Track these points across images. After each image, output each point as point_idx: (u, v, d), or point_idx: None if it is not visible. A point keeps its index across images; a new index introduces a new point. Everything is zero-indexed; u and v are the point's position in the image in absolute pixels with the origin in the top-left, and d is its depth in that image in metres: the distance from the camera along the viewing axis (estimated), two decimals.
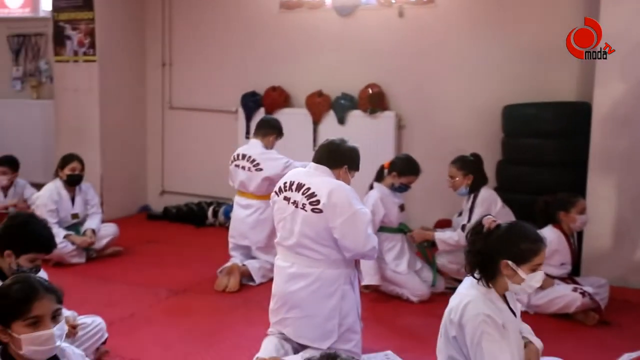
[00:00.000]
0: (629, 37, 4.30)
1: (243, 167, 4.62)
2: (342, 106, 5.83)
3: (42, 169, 6.74)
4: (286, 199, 3.10)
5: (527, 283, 2.32)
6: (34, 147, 7.09)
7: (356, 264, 3.19)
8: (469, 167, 4.33)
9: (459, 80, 5.58)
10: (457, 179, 4.33)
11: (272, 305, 3.18)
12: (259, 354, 3.03)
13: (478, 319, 2.24)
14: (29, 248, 2.76)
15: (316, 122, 5.95)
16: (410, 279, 4.23)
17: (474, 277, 2.38)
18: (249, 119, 6.21)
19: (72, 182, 5.09)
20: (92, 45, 6.25)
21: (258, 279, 4.48)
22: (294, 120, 5.73)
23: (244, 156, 4.64)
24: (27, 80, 7.52)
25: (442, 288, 4.32)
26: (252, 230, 4.60)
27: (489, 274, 2.35)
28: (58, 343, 2.01)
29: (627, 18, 4.33)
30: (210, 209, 6.37)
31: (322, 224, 2.97)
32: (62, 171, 5.07)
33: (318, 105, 5.92)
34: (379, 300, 4.23)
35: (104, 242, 5.15)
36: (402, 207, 4.37)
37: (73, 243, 4.91)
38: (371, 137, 5.51)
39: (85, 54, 6.30)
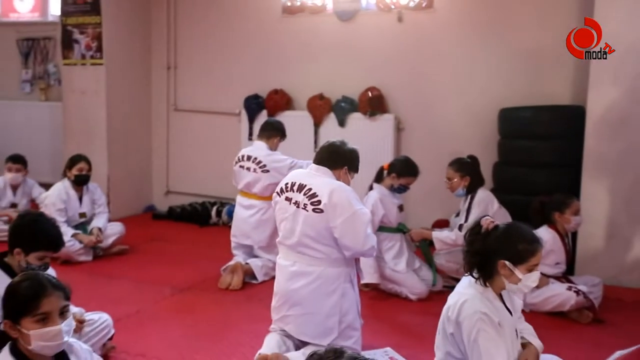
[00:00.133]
0: (622, 41, 4.30)
1: (248, 169, 4.61)
2: (343, 109, 5.83)
3: (50, 169, 6.76)
4: (288, 199, 3.10)
5: (524, 283, 2.32)
6: (42, 148, 7.11)
7: (356, 262, 3.19)
8: (466, 169, 4.33)
9: (457, 84, 5.59)
10: (454, 180, 4.33)
11: (274, 302, 3.18)
12: (261, 350, 3.02)
13: (475, 316, 2.24)
14: (38, 246, 2.76)
15: (317, 125, 5.95)
16: (408, 278, 4.23)
17: (472, 276, 2.38)
18: (251, 121, 6.21)
19: (80, 182, 5.09)
20: (99, 48, 6.25)
21: (260, 277, 4.48)
22: (296, 122, 5.73)
23: (249, 157, 4.63)
24: (36, 83, 7.53)
25: (440, 287, 4.32)
26: (254, 230, 4.59)
27: (486, 274, 2.35)
28: (66, 339, 2.01)
29: (619, 22, 4.32)
30: (214, 209, 6.37)
31: (322, 224, 2.97)
32: (70, 171, 5.08)
33: (319, 107, 5.93)
34: (378, 298, 4.23)
35: (110, 240, 5.15)
36: (401, 208, 4.37)
37: (80, 242, 4.91)
38: (371, 139, 5.52)
39: (92, 57, 6.30)
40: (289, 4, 6.14)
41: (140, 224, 6.27)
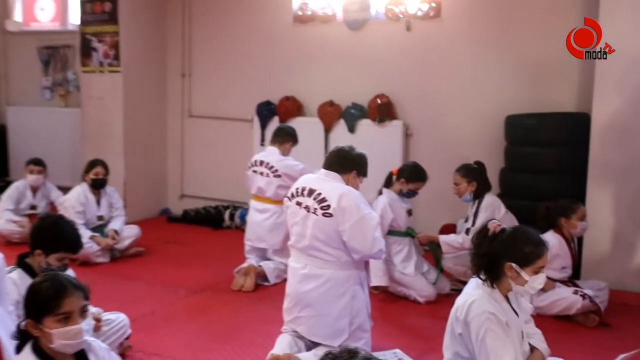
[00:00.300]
0: (628, 49, 4.27)
1: (261, 173, 4.63)
2: (352, 115, 5.84)
3: (69, 173, 6.79)
4: (298, 203, 3.11)
5: (530, 285, 2.32)
6: (61, 152, 7.16)
7: (366, 265, 3.19)
8: (473, 174, 4.32)
9: (464, 91, 5.57)
10: (461, 186, 4.32)
11: (285, 304, 3.18)
12: (273, 351, 3.03)
13: (483, 316, 2.24)
14: (58, 248, 2.79)
15: (327, 131, 5.95)
16: (417, 281, 4.22)
17: (479, 278, 2.38)
18: (263, 127, 6.23)
19: (97, 186, 5.13)
20: (117, 56, 6.30)
21: (272, 280, 4.48)
22: (307, 128, 5.71)
23: (261, 162, 4.65)
24: (55, 90, 7.59)
25: (448, 290, 4.30)
26: (269, 234, 4.60)
27: (493, 275, 2.35)
28: (86, 337, 2.03)
29: (624, 31, 4.29)
30: (227, 212, 6.38)
31: (332, 228, 2.98)
32: (88, 175, 5.12)
33: (329, 114, 5.93)
34: (387, 300, 4.22)
35: (126, 242, 5.18)
36: (409, 212, 4.36)
37: (98, 244, 4.94)
38: (380, 145, 5.50)
39: (110, 65, 6.35)
40: (300, 13, 6.16)
41: (155, 226, 6.29)
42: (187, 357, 3.24)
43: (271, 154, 4.69)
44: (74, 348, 2.02)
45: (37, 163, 5.72)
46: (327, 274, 3.02)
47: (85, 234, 4.69)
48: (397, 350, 3.24)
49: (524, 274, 2.30)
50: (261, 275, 4.47)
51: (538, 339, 2.53)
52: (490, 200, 4.27)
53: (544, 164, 4.85)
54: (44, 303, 1.98)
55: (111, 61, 6.33)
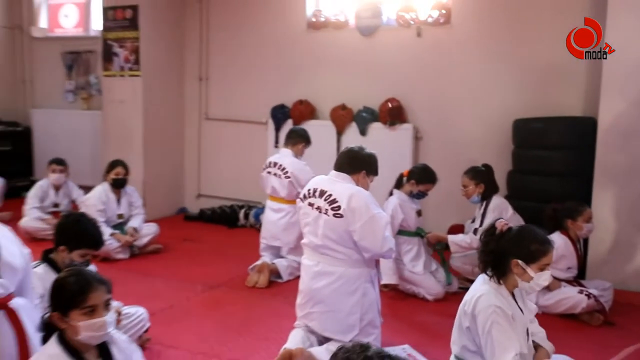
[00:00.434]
0: (634, 54, 4.25)
1: (275, 174, 4.67)
2: (364, 119, 5.85)
3: (90, 173, 6.87)
4: (310, 204, 3.13)
5: (535, 281, 2.34)
6: (83, 153, 7.25)
7: (376, 264, 3.20)
8: (480, 176, 4.32)
9: (472, 96, 5.57)
10: (470, 187, 4.32)
11: (298, 300, 3.20)
12: (287, 345, 3.04)
13: (489, 310, 2.26)
14: (81, 244, 2.82)
15: (339, 133, 5.98)
16: (426, 279, 4.22)
17: (486, 274, 2.40)
18: (277, 129, 6.26)
19: (117, 185, 5.19)
20: (137, 61, 6.37)
21: (285, 277, 4.51)
22: (319, 131, 5.74)
23: (275, 164, 4.69)
24: (78, 93, 7.69)
25: (456, 288, 4.31)
26: (283, 232, 4.63)
27: (500, 272, 2.38)
28: (110, 329, 2.06)
29: (631, 36, 4.27)
30: (242, 212, 6.42)
31: (342, 228, 2.99)
32: (108, 175, 5.18)
33: (341, 117, 5.95)
34: (397, 298, 4.23)
35: (145, 240, 5.24)
36: (419, 213, 4.37)
37: (118, 241, 5.01)
38: (390, 147, 5.52)
39: (130, 69, 6.42)
40: (313, 19, 6.19)
41: (173, 225, 6.35)
42: (203, 350, 3.27)
43: (285, 155, 4.72)
44: (98, 340, 2.05)
45: (59, 162, 5.80)
46: (339, 271, 3.03)
47: (106, 231, 4.73)
48: (406, 346, 3.25)
49: (530, 271, 2.32)
50: (274, 272, 4.50)
51: (541, 338, 2.53)
52: (498, 201, 4.27)
53: (550, 167, 4.83)
54: (70, 297, 2.00)
55: (131, 66, 6.41)
